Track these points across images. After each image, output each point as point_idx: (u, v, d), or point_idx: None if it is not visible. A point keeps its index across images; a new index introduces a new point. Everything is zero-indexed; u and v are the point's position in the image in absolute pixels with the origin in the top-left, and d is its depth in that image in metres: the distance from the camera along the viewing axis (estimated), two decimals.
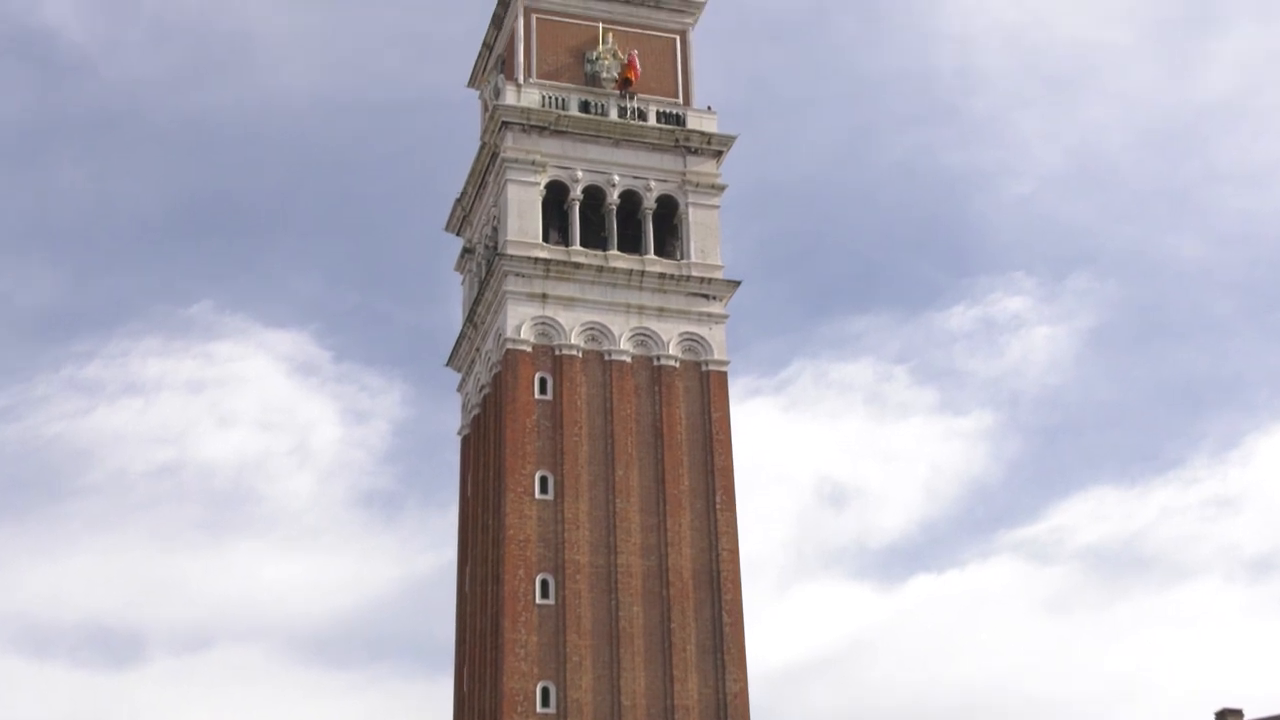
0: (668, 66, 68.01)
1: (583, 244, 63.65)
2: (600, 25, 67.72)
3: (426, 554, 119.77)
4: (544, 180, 64.15)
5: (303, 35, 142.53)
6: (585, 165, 64.81)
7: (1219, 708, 65.10)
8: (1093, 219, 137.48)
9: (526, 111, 64.51)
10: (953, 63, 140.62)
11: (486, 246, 66.64)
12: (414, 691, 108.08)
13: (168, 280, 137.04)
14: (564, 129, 64.85)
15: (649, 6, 68.72)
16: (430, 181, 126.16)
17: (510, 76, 66.58)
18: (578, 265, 62.85)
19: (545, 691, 56.43)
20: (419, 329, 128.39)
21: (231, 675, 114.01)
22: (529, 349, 61.25)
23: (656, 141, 65.63)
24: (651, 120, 66.07)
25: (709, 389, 62.22)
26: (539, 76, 66.34)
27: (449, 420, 69.70)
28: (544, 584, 57.74)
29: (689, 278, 63.70)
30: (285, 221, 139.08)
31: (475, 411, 65.30)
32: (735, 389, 63.91)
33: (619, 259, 63.58)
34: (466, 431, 66.59)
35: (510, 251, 62.35)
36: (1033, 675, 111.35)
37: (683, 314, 63.25)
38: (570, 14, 67.93)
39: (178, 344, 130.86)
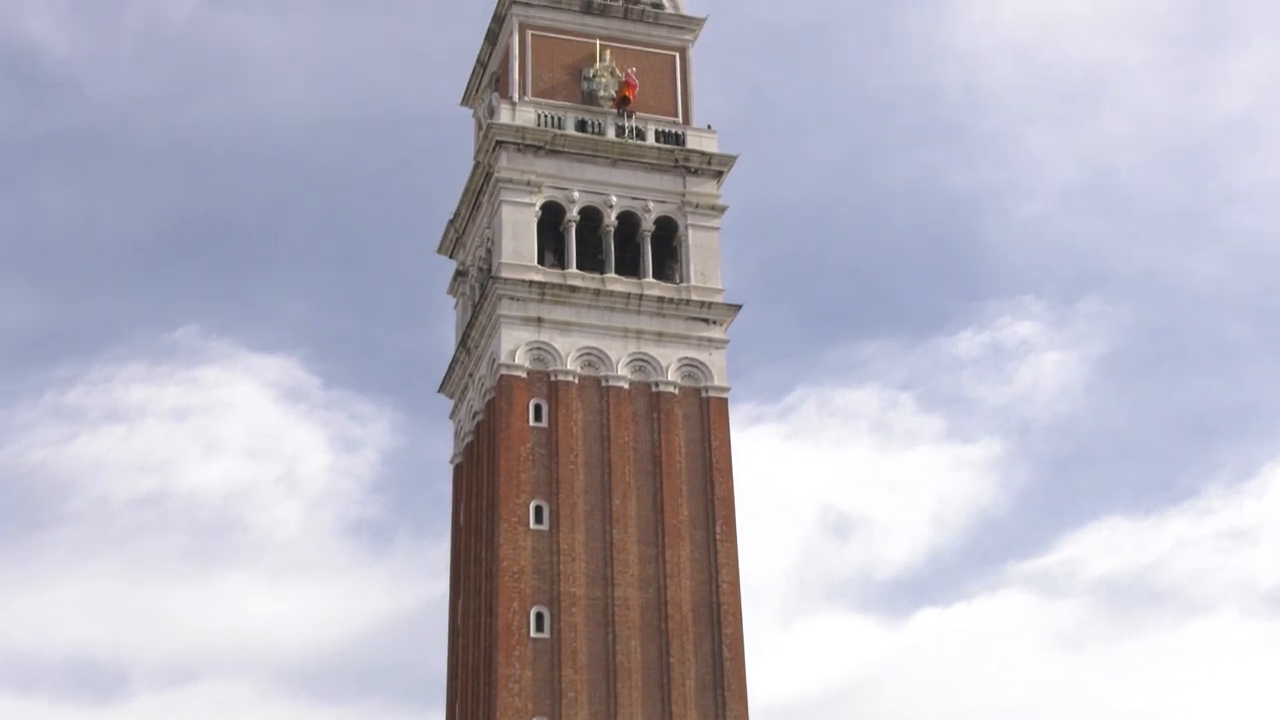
0: (667, 84, 68.12)
1: (579, 267, 63.67)
2: (598, 42, 67.85)
3: (418, 586, 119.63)
4: (539, 201, 64.20)
5: (293, 52, 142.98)
6: (582, 186, 64.87)
7: None
8: (1104, 241, 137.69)
9: (521, 130, 64.59)
10: (960, 80, 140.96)
11: (480, 269, 66.65)
12: None
13: (152, 303, 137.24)
14: (560, 148, 64.92)
15: (647, 23, 68.87)
16: (422, 202, 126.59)
17: (505, 94, 66.70)
18: (574, 288, 62.86)
19: None
20: (410, 354, 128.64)
21: (218, 710, 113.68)
22: (524, 374, 61.22)
23: (655, 161, 65.71)
24: (650, 139, 66.15)
25: (709, 416, 62.17)
26: (534, 94, 66.44)
27: (441, 448, 69.77)
28: (539, 617, 57.61)
29: (688, 301, 63.71)
30: (274, 243, 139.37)
31: (468, 439, 65.24)
32: (736, 416, 63.95)
33: (616, 282, 63.60)
34: (459, 460, 66.52)
35: (504, 274, 62.38)
36: (1042, 712, 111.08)
37: (682, 339, 63.24)
38: (567, 31, 68.07)
39: (162, 369, 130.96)
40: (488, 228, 65.62)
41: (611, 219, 64.66)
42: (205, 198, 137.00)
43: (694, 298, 63.80)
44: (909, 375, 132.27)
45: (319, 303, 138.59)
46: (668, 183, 65.70)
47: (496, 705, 56.06)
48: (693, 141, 66.48)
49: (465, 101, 73.31)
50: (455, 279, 70.13)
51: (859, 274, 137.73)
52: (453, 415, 68.35)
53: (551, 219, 64.47)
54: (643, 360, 62.51)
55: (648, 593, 58.89)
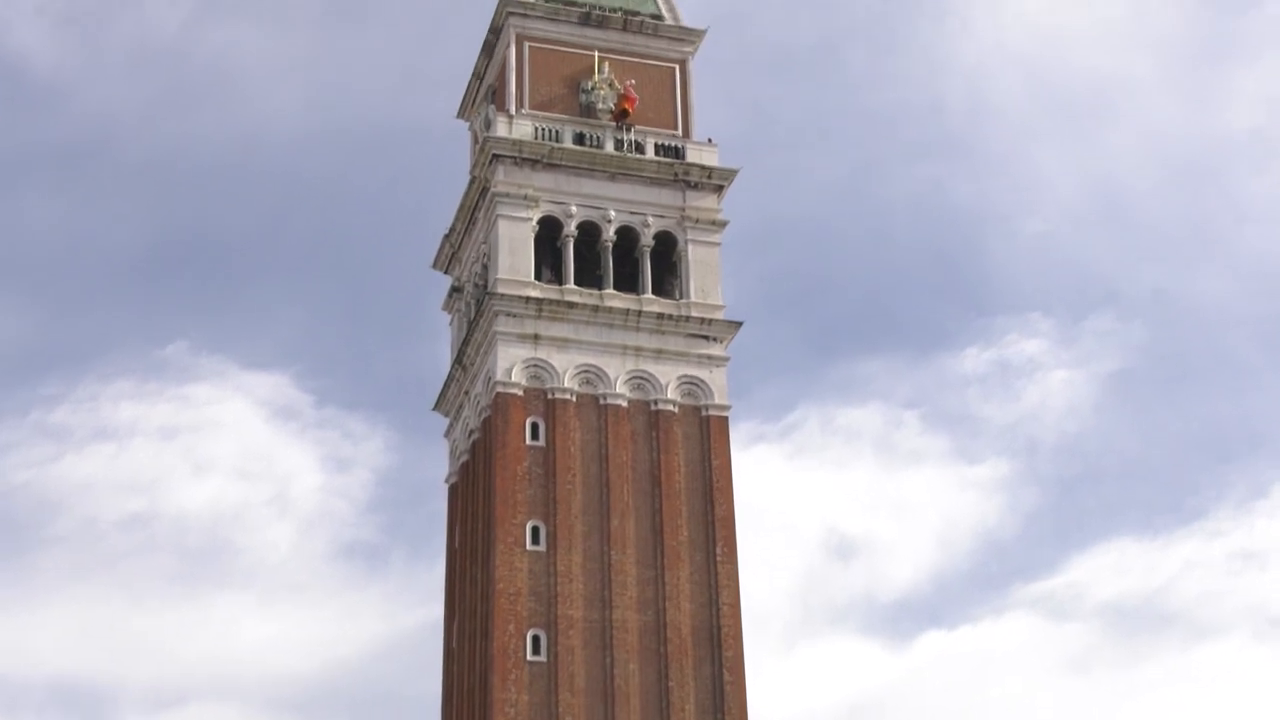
0: (666, 97, 68.17)
1: (577, 283, 63.66)
2: (596, 54, 67.93)
3: (412, 609, 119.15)
4: (536, 216, 64.21)
5: (285, 64, 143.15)
6: (580, 200, 64.89)
7: None
8: (1113, 258, 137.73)
9: (518, 144, 64.63)
10: (965, 94, 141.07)
11: (476, 285, 66.65)
12: None
13: (141, 319, 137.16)
14: (558, 162, 64.96)
15: (647, 35, 68.96)
16: (417, 217, 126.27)
17: (501, 107, 66.75)
18: (571, 305, 62.85)
19: None
20: (404, 371, 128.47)
21: None
22: (520, 392, 61.17)
23: (654, 175, 65.73)
24: (649, 153, 66.19)
25: (709, 435, 62.12)
26: (532, 107, 66.49)
27: (436, 468, 69.64)
28: (535, 640, 57.48)
29: (688, 318, 63.69)
30: (265, 258, 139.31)
31: (463, 458, 65.17)
32: (737, 435, 63.89)
33: (615, 298, 63.59)
34: (454, 479, 66.45)
35: (501, 290, 62.36)
36: None
37: (682, 356, 63.20)
38: (565, 42, 68.16)
39: (151, 387, 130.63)
40: (484, 243, 65.63)
41: (610, 234, 64.67)
42: (196, 212, 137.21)
43: (694, 314, 63.78)
44: (913, 393, 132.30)
45: (311, 319, 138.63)
46: (667, 197, 65.72)
47: None
48: (693, 155, 66.52)
49: (461, 114, 73.37)
50: (450, 295, 70.11)
51: (862, 290, 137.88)
52: (448, 434, 68.28)
53: (549, 234, 64.47)
54: (642, 378, 62.46)
55: (647, 615, 58.77)
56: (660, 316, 63.44)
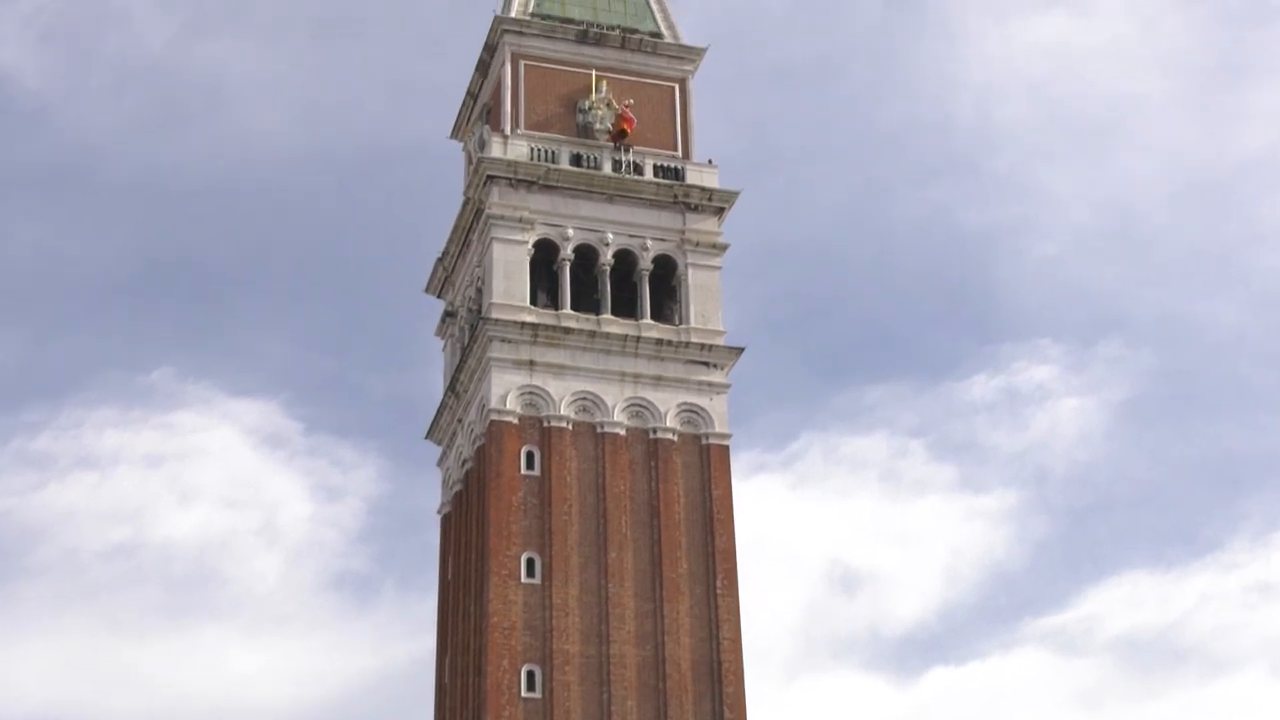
0: (665, 117, 68.29)
1: (573, 307, 63.70)
2: (593, 73, 68.05)
3: (403, 642, 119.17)
4: (532, 239, 64.27)
5: (274, 82, 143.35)
6: (577, 223, 64.96)
7: None
8: (1124, 282, 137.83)
9: (513, 165, 64.72)
10: (972, 114, 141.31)
11: (470, 309, 66.69)
12: None
13: (126, 345, 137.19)
14: (554, 184, 65.04)
15: (645, 53, 69.09)
16: (409, 240, 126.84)
17: (496, 127, 66.85)
18: (568, 330, 62.88)
19: None
20: (396, 398, 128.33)
21: None
22: (515, 420, 61.16)
23: (653, 197, 65.81)
24: (648, 174, 66.28)
25: (709, 464, 62.09)
26: (527, 127, 66.60)
27: (428, 497, 69.63)
28: (530, 676, 57.38)
29: (688, 344, 63.71)
30: (254, 282, 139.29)
31: (456, 488, 65.14)
32: (738, 464, 63.90)
33: (613, 324, 63.61)
34: (447, 509, 66.41)
35: (495, 315, 62.38)
36: None
37: (681, 383, 63.20)
38: (561, 61, 68.29)
39: (136, 414, 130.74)
40: (478, 266, 65.67)
41: (607, 257, 64.72)
42: (182, 234, 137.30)
43: (694, 340, 63.79)
44: (920, 421, 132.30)
45: (301, 345, 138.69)
46: (666, 220, 65.78)
47: None
48: (693, 177, 66.60)
49: (455, 134, 73.48)
50: (444, 320, 70.13)
51: (867, 316, 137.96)
52: (440, 463, 68.26)
53: (545, 257, 64.52)
54: (640, 405, 62.46)
55: (645, 650, 58.69)
56: (659, 342, 63.46)
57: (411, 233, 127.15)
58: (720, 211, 66.37)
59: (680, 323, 64.40)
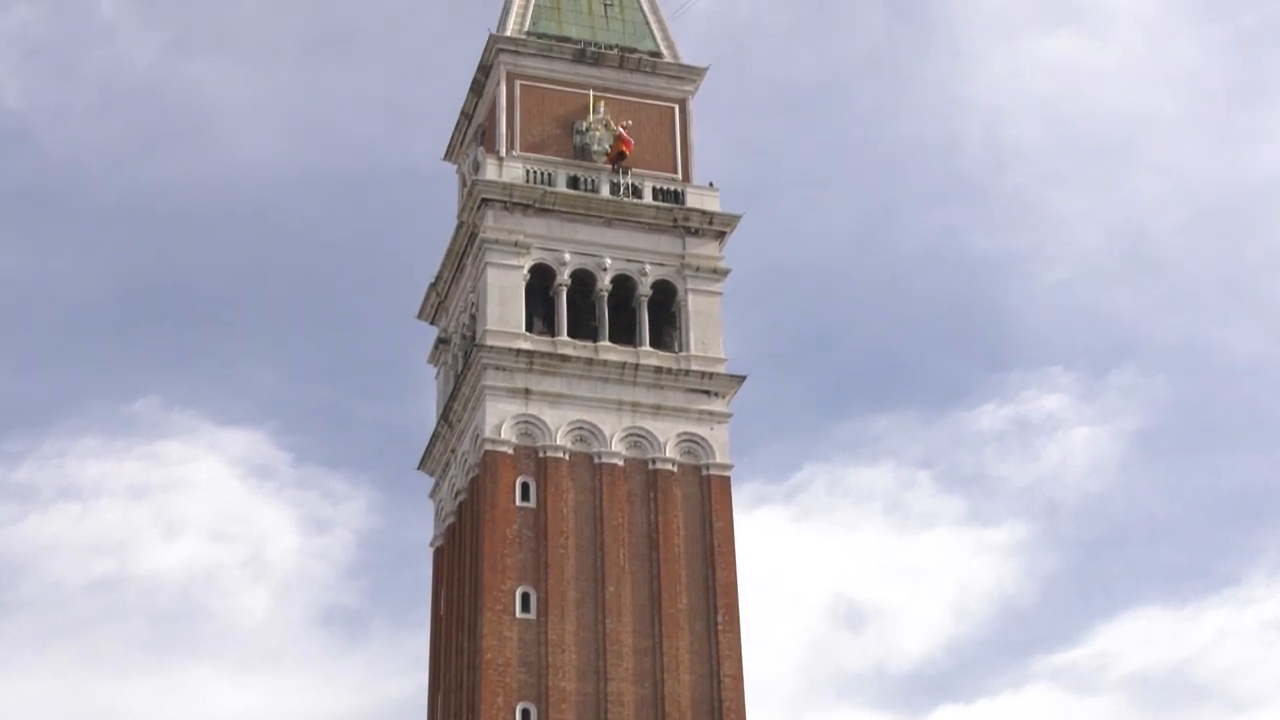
0: (665, 138, 68.39)
1: (570, 334, 63.71)
2: (591, 93, 68.15)
3: (394, 679, 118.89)
4: (528, 263, 64.30)
5: (263, 103, 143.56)
6: (574, 247, 65.00)
7: None
8: (1137, 308, 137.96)
9: (509, 187, 64.78)
10: (980, 135, 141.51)
11: (464, 336, 66.70)
12: None
13: (109, 373, 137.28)
14: (550, 207, 65.09)
15: (645, 73, 69.23)
16: (402, 264, 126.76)
17: (491, 149, 66.93)
18: (565, 358, 62.87)
19: None
20: (388, 428, 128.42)
21: None
22: (510, 450, 61.12)
23: (652, 221, 65.86)
24: (647, 198, 66.34)
25: (710, 496, 62.04)
26: (523, 149, 66.68)
27: (420, 530, 69.59)
28: (525, 714, 57.27)
29: (688, 372, 63.70)
30: (241, 308, 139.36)
31: (449, 520, 65.08)
32: (740, 496, 63.84)
33: (610, 351, 63.62)
34: (440, 542, 66.35)
35: (490, 342, 62.39)
36: None
37: (681, 412, 63.19)
38: (558, 81, 68.41)
39: (120, 444, 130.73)
40: (472, 292, 65.70)
41: (605, 283, 64.75)
42: (168, 259, 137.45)
43: (694, 368, 63.78)
44: (927, 452, 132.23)
45: (289, 372, 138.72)
46: (666, 244, 65.83)
47: None
48: (693, 200, 66.67)
49: (448, 156, 73.58)
50: (437, 347, 70.15)
51: (872, 343, 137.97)
52: (433, 494, 68.22)
53: (541, 283, 64.55)
54: (639, 435, 62.43)
55: (644, 688, 58.56)
56: (658, 370, 63.44)
57: (404, 257, 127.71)
58: (721, 235, 66.42)
59: (680, 350, 64.40)
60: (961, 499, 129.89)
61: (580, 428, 62.05)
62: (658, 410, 62.97)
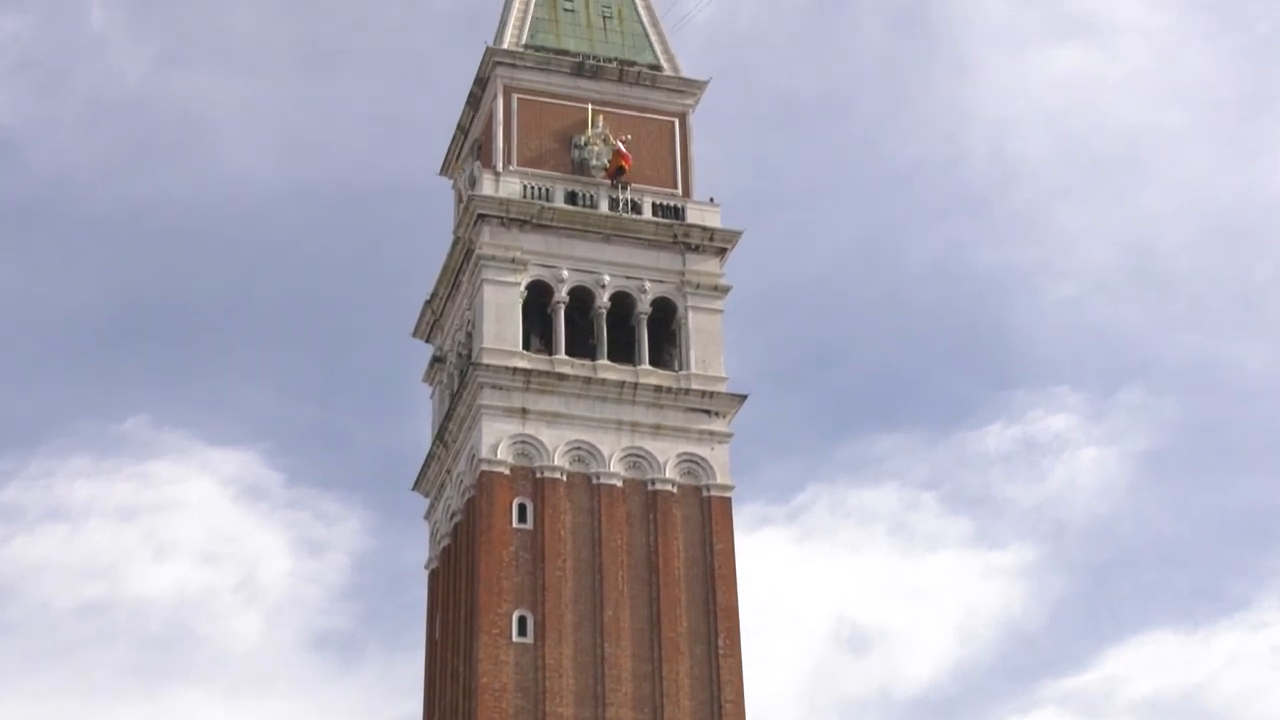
0: (665, 153, 68.45)
1: (568, 352, 63.70)
2: (589, 107, 68.23)
3: (389, 705, 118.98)
4: (525, 280, 64.32)
5: (255, 117, 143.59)
6: (572, 264, 65.02)
7: None
8: (1146, 326, 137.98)
9: (505, 203, 64.82)
10: (986, 150, 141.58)
11: (459, 355, 66.71)
12: None
13: (99, 391, 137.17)
14: (548, 222, 65.12)
15: (644, 86, 69.31)
16: (396, 281, 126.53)
17: (487, 164, 66.98)
18: (562, 376, 62.86)
19: None
20: (382, 448, 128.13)
21: None
22: (507, 471, 61.08)
23: (652, 237, 65.89)
24: (646, 213, 66.38)
25: (711, 517, 61.99)
26: (520, 164, 66.74)
27: (415, 552, 69.50)
28: None
29: (688, 391, 63.69)
30: (233, 325, 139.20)
31: (445, 542, 65.04)
32: (741, 517, 63.77)
33: (609, 369, 63.62)
34: (435, 565, 66.29)
35: (486, 360, 62.38)
36: None
37: (681, 432, 63.16)
38: (556, 94, 68.49)
39: (109, 464, 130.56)
40: (468, 309, 65.72)
41: (604, 300, 64.76)
42: (159, 275, 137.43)
43: (694, 387, 63.77)
44: (932, 473, 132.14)
45: (282, 391, 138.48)
46: (666, 261, 65.85)
47: None
48: (693, 216, 66.70)
49: (444, 171, 73.64)
50: (432, 365, 70.15)
51: (876, 361, 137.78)
52: (428, 516, 68.18)
53: (538, 300, 64.57)
54: (638, 455, 62.40)
55: (643, 713, 58.47)
56: (658, 389, 63.43)
57: (398, 274, 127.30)
58: (722, 252, 66.44)
59: (680, 369, 64.39)
60: (967, 520, 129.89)
61: (578, 448, 62.02)
62: (657, 430, 62.95)
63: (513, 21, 70.00)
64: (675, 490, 62.22)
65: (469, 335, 65.41)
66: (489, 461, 60.91)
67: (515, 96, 68.12)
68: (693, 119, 69.62)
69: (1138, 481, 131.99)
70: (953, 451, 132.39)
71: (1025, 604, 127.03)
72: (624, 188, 66.63)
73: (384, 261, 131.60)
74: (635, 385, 63.27)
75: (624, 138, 67.51)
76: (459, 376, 65.56)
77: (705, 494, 62.40)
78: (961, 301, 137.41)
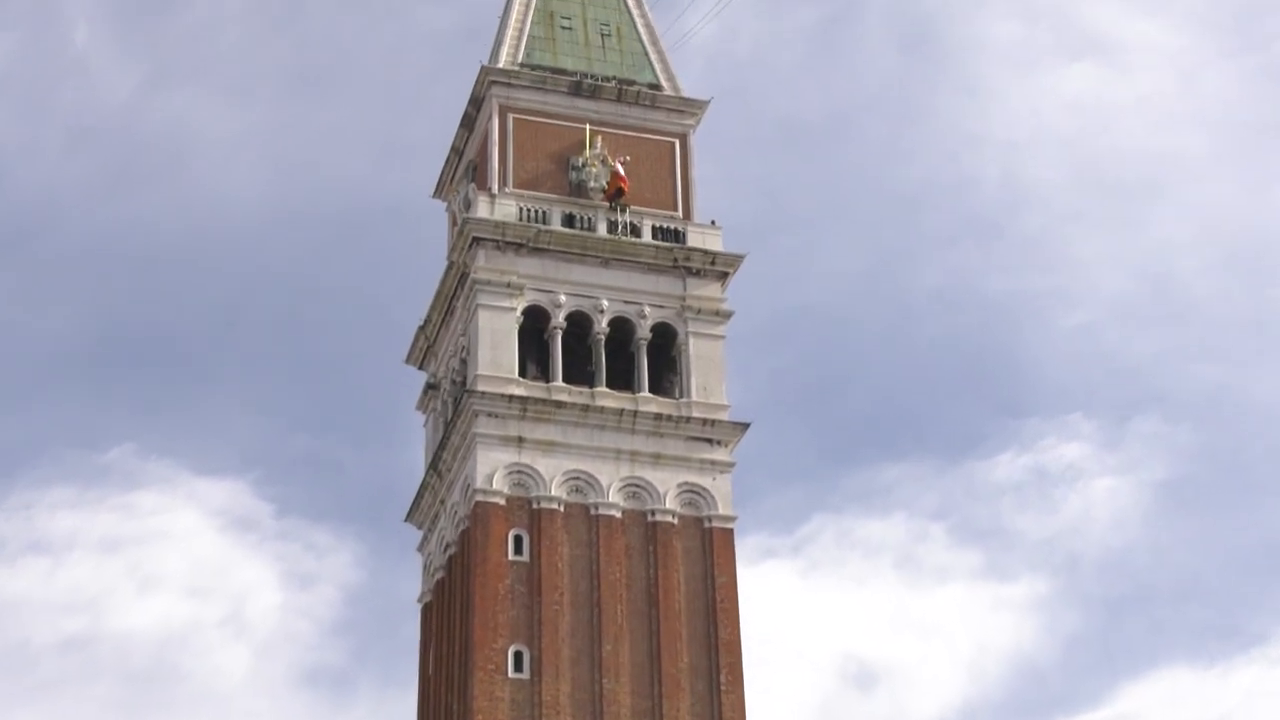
0: (665, 175, 68.54)
1: (565, 379, 63.73)
2: (587, 127, 68.33)
3: None
4: (521, 305, 64.37)
5: (244, 139, 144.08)
6: (569, 288, 65.08)
7: None
8: (1161, 354, 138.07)
9: (501, 226, 64.89)
10: (997, 173, 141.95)
11: (453, 382, 66.74)
12: None
13: (82, 420, 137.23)
14: (544, 246, 65.20)
15: (644, 106, 69.43)
16: (389, 307, 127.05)
17: (483, 186, 67.07)
18: (560, 404, 62.87)
19: None
20: (374, 478, 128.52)
21: None
22: (502, 502, 61.07)
23: (652, 261, 65.96)
24: (646, 236, 66.45)
25: (712, 549, 61.95)
26: (516, 186, 66.83)
27: (408, 585, 69.48)
28: None
29: (689, 419, 63.68)
30: (220, 352, 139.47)
31: (438, 575, 64.99)
32: (744, 549, 63.68)
33: (607, 397, 63.63)
34: (428, 598, 66.24)
35: (481, 388, 62.40)
36: None
37: (682, 461, 63.15)
38: (553, 114, 68.60)
39: (92, 494, 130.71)
40: (462, 335, 65.77)
41: (602, 325, 64.81)
42: (143, 301, 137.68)
43: (695, 415, 63.77)
44: (940, 503, 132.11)
45: (271, 420, 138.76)
46: (666, 285, 65.91)
47: None
48: (694, 239, 66.76)
49: (438, 193, 73.76)
50: (425, 393, 70.18)
51: (883, 389, 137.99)
52: (421, 547, 68.15)
53: (534, 325, 64.61)
54: (637, 485, 62.39)
55: None
56: (658, 417, 63.43)
57: (391, 299, 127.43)
58: (724, 276, 66.49)
59: (681, 396, 64.41)
60: (977, 552, 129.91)
61: (576, 478, 62.00)
62: (657, 459, 62.93)
63: (508, 40, 70.16)
64: (676, 521, 62.19)
65: (463, 362, 65.44)
66: (484, 491, 60.87)
67: (511, 116, 68.23)
68: (694, 140, 69.73)
69: (1153, 512, 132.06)
70: (962, 481, 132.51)
71: (1037, 639, 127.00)
72: (623, 210, 66.68)
73: (376, 286, 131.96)
74: (634, 413, 63.28)
75: (623, 159, 67.59)
76: (453, 404, 65.58)
77: (707, 525, 62.36)
78: (971, 328, 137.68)
